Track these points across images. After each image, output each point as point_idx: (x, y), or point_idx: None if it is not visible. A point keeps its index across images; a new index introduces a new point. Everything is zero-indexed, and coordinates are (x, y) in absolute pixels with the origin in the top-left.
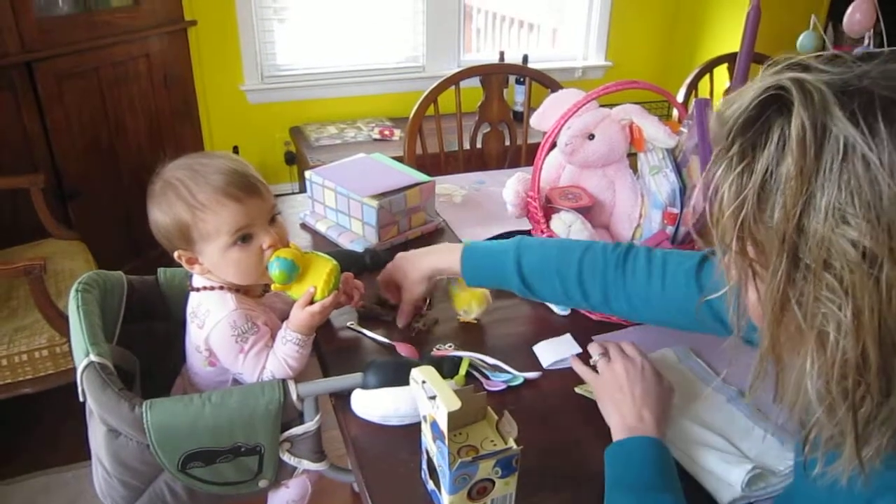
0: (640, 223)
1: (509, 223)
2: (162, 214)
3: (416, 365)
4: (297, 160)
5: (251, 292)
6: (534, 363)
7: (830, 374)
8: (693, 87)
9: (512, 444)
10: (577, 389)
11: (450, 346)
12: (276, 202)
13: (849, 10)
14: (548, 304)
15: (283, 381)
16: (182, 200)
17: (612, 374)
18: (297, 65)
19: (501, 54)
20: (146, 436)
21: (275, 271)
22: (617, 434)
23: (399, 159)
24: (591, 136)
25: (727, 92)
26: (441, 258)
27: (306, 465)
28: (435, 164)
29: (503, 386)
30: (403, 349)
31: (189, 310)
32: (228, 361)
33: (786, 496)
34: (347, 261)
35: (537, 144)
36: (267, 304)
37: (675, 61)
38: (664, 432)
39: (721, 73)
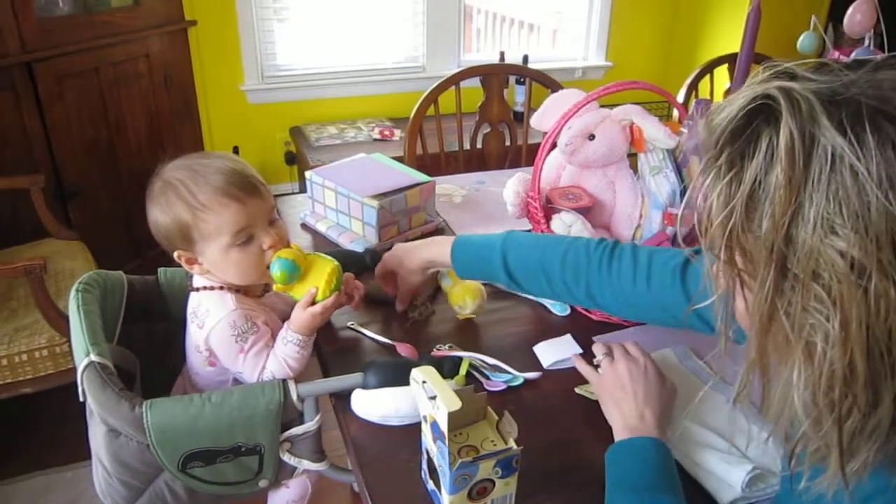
0: (641, 223)
1: (509, 223)
2: (162, 215)
3: (417, 365)
4: (297, 160)
5: (251, 292)
6: (534, 363)
7: (817, 385)
8: (693, 87)
9: (512, 444)
10: (577, 390)
11: (450, 347)
12: (276, 202)
13: (849, 11)
14: (547, 304)
15: (284, 381)
16: (182, 201)
17: (614, 374)
18: (297, 65)
19: (502, 54)
20: (146, 436)
21: (276, 271)
22: (618, 434)
23: (399, 159)
24: (592, 137)
25: (727, 92)
26: (434, 250)
27: (306, 465)
28: (435, 165)
29: (503, 386)
30: (403, 349)
31: (189, 310)
32: (228, 361)
33: None
34: (348, 261)
35: (537, 145)
36: (267, 304)
37: (675, 62)
38: (666, 432)
39: (721, 73)
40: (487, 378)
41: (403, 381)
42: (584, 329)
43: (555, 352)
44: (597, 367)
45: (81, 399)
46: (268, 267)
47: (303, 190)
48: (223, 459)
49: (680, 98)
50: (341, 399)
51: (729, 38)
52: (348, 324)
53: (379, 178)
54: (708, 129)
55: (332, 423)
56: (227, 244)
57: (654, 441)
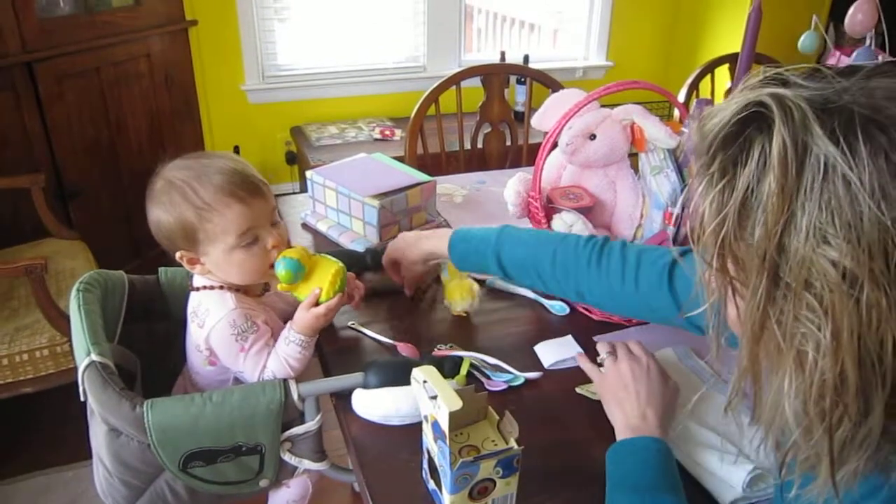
0: (642, 223)
1: (510, 223)
2: (165, 215)
3: (417, 365)
4: (297, 160)
5: (251, 292)
6: (535, 363)
7: (808, 394)
8: (694, 87)
9: (513, 444)
10: (578, 389)
11: (451, 346)
12: (276, 203)
13: (850, 11)
14: (547, 304)
15: (284, 380)
16: (188, 201)
17: (617, 373)
18: (297, 64)
19: (502, 54)
20: (147, 435)
21: (281, 271)
22: (620, 433)
23: (400, 159)
24: (593, 137)
25: (728, 92)
26: (434, 242)
27: (307, 464)
28: (436, 164)
29: (504, 386)
30: (404, 349)
31: (189, 309)
32: (229, 360)
33: None
34: (349, 260)
35: (538, 144)
36: (267, 303)
37: (676, 61)
38: (668, 433)
39: (722, 73)
40: (488, 378)
41: (404, 380)
42: (584, 329)
43: (555, 352)
44: (600, 366)
45: (82, 399)
46: (271, 266)
47: (303, 190)
48: (224, 459)
49: (681, 98)
50: (342, 399)
51: (730, 37)
52: (349, 323)
53: (380, 177)
54: (700, 134)
55: (332, 422)
56: (231, 245)
57: (656, 441)
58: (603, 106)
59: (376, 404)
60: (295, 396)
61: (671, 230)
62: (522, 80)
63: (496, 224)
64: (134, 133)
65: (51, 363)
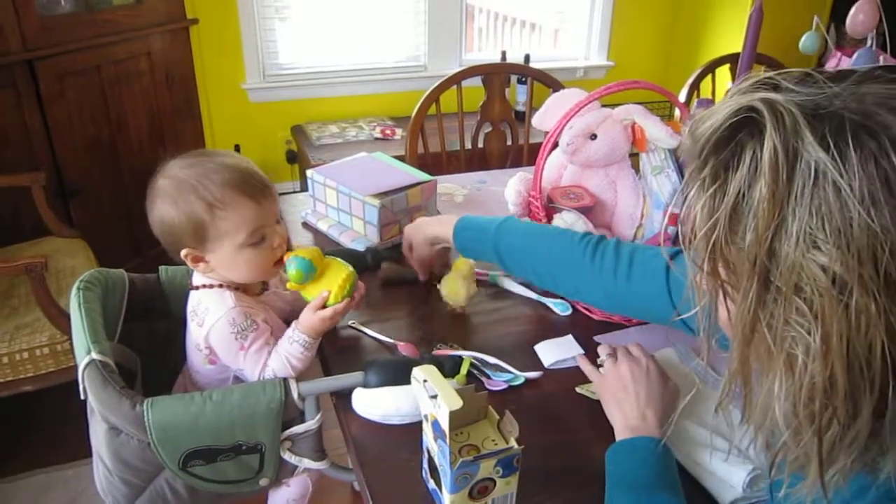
0: (642, 223)
1: None
2: (175, 211)
3: (418, 364)
4: (298, 159)
5: (250, 290)
6: (535, 363)
7: (798, 396)
8: (695, 87)
9: (513, 443)
10: (578, 389)
11: (451, 346)
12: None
13: (852, 11)
14: (549, 303)
15: (285, 379)
16: (200, 198)
17: (617, 375)
18: (298, 63)
19: (503, 54)
20: (147, 434)
21: (292, 270)
22: (620, 434)
23: (401, 158)
24: (593, 136)
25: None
26: (439, 228)
27: (307, 463)
28: (436, 164)
29: (504, 385)
30: (404, 348)
31: (189, 308)
32: (229, 359)
33: None
34: (349, 260)
35: (539, 144)
36: (266, 302)
37: (677, 61)
38: (667, 433)
39: (723, 73)
40: (488, 377)
41: (404, 380)
42: (585, 329)
43: (556, 351)
44: (599, 367)
45: (82, 397)
46: (274, 265)
47: (304, 189)
48: (224, 458)
49: (681, 98)
50: (342, 398)
51: (731, 37)
52: (349, 323)
53: (380, 177)
54: (692, 137)
55: (332, 421)
56: (241, 243)
57: (655, 441)
58: (604, 106)
59: (376, 403)
60: (295, 395)
61: (672, 230)
62: (523, 79)
63: None
64: (134, 131)
65: (51, 361)
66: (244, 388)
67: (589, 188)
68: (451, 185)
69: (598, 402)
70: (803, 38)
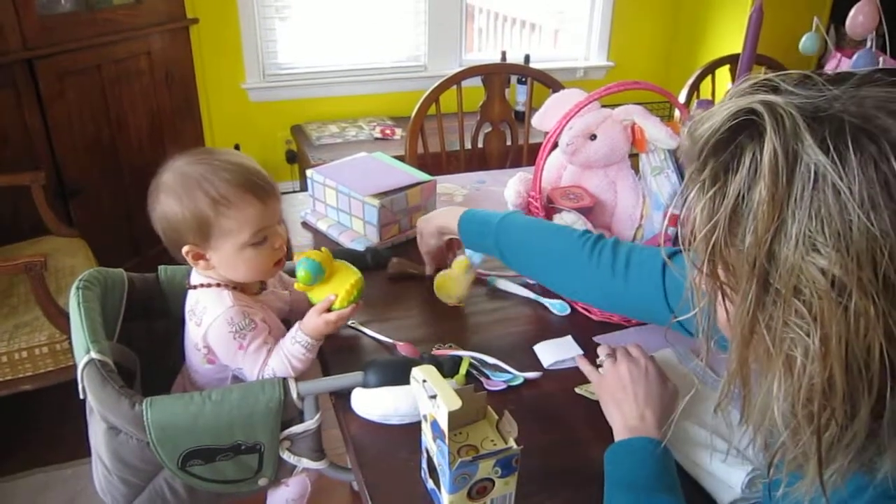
0: (642, 224)
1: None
2: (179, 206)
3: (417, 364)
4: (298, 159)
5: (248, 290)
6: (534, 363)
7: (796, 397)
8: (695, 88)
9: (512, 443)
10: (577, 390)
11: (450, 346)
12: None
13: (851, 12)
14: (547, 303)
15: (284, 379)
16: (206, 195)
17: (615, 375)
18: (298, 63)
19: (503, 54)
20: (146, 433)
21: (301, 271)
22: (618, 434)
23: (400, 158)
24: (593, 137)
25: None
26: (446, 219)
27: (306, 463)
28: (436, 164)
29: (503, 385)
30: (404, 348)
31: (187, 307)
32: (227, 358)
33: None
34: (349, 260)
35: (539, 144)
36: (264, 301)
37: (677, 62)
38: (667, 434)
39: (723, 74)
40: (487, 377)
41: (403, 380)
42: (584, 329)
43: (555, 352)
44: (599, 367)
45: (81, 396)
46: (274, 265)
47: (304, 188)
48: (223, 457)
49: (681, 98)
50: (341, 398)
51: (731, 38)
52: (349, 322)
53: (380, 176)
54: (691, 139)
55: (331, 421)
56: (244, 242)
57: (654, 441)
58: (603, 106)
59: (375, 403)
60: (294, 395)
61: (672, 230)
62: (523, 79)
63: None
64: (134, 131)
65: (50, 361)
66: (243, 388)
67: (588, 189)
68: (450, 186)
69: (597, 403)
70: (803, 39)
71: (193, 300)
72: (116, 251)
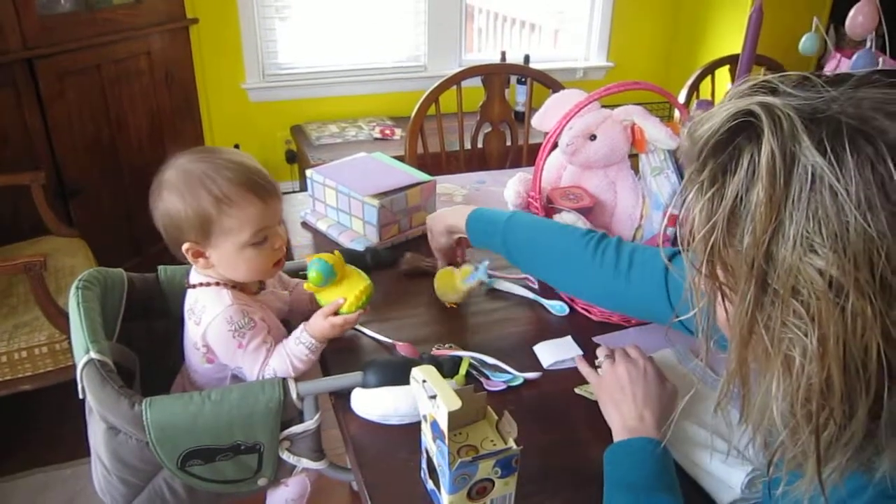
0: (642, 224)
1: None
2: (181, 203)
3: (416, 364)
4: (297, 159)
5: (247, 289)
6: (534, 363)
7: (795, 397)
8: (695, 88)
9: (512, 444)
10: (576, 390)
11: (450, 346)
12: None
13: (851, 13)
14: (547, 304)
15: (284, 379)
16: (209, 193)
17: (614, 376)
18: (298, 63)
19: (503, 54)
20: (146, 433)
21: (312, 272)
22: (617, 435)
23: (400, 158)
24: (593, 137)
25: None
26: (454, 217)
27: (306, 463)
28: (436, 164)
29: (503, 386)
30: (403, 348)
31: (186, 306)
32: (227, 357)
33: None
34: (349, 260)
35: (538, 145)
36: (263, 301)
37: (676, 62)
38: (666, 434)
39: (723, 74)
40: (487, 378)
41: (403, 380)
42: (583, 329)
43: (555, 352)
44: (598, 368)
45: (81, 396)
46: (273, 266)
47: (303, 188)
48: (222, 457)
49: (681, 99)
50: (341, 398)
51: (730, 39)
52: None
53: (380, 177)
54: (691, 139)
55: (331, 421)
56: (244, 241)
57: (653, 441)
58: (603, 106)
59: (375, 404)
60: (294, 395)
61: (671, 231)
62: (523, 80)
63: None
64: (134, 131)
65: (49, 361)
66: (243, 388)
67: (588, 189)
68: (450, 186)
69: (596, 403)
70: (803, 40)
71: (192, 299)
72: (116, 251)
